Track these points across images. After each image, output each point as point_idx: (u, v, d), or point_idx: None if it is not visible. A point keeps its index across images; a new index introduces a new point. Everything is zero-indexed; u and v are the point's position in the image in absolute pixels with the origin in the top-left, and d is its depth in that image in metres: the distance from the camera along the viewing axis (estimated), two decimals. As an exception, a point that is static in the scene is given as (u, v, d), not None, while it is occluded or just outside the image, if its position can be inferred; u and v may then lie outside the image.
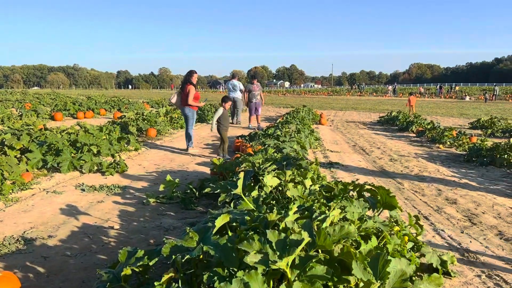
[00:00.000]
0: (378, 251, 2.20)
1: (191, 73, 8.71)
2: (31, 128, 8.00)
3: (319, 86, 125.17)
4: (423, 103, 33.04)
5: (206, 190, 3.82)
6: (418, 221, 3.50)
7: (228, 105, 8.41)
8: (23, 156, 6.26)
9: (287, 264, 2.01)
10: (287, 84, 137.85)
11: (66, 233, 3.95)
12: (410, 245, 3.17)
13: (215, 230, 2.43)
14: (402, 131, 13.96)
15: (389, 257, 2.15)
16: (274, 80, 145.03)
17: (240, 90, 13.71)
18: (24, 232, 3.95)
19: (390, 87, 60.80)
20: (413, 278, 2.69)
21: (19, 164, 5.86)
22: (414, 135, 12.89)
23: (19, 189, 5.27)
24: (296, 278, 2.02)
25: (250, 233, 2.45)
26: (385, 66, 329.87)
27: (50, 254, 3.47)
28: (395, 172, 7.20)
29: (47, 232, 3.98)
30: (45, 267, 3.23)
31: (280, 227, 2.48)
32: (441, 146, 10.42)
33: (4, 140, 6.73)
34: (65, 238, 3.82)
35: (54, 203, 4.91)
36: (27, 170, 5.98)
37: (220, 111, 8.12)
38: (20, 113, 14.88)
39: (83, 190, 5.50)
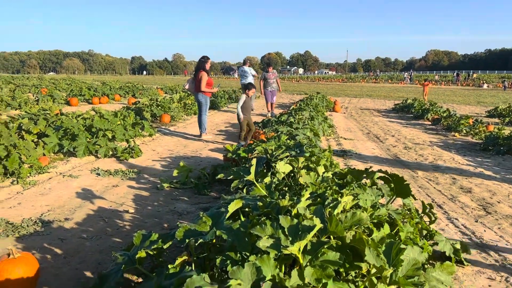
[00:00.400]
0: (392, 239, 2.20)
1: (204, 59, 8.70)
2: (48, 113, 8.12)
3: (334, 72, 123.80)
4: (439, 91, 32.51)
5: (219, 176, 3.85)
6: (432, 210, 3.48)
7: (251, 92, 8.24)
8: (40, 140, 6.37)
9: (299, 250, 2.02)
10: (301, 70, 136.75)
11: (82, 216, 4.03)
12: (423, 233, 3.16)
13: (228, 215, 2.46)
14: (417, 119, 13.79)
15: (402, 245, 2.15)
16: (288, 67, 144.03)
17: (253, 76, 13.58)
18: (42, 214, 4.04)
19: (406, 74, 59.94)
20: (426, 266, 2.68)
21: (36, 148, 5.96)
22: (430, 123, 12.73)
23: (36, 173, 5.38)
24: (308, 264, 2.03)
25: (262, 219, 2.47)
26: (401, 52, 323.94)
27: (66, 236, 3.55)
28: (409, 160, 7.13)
29: (64, 215, 4.06)
30: (62, 248, 3.31)
31: (293, 213, 2.49)
32: (456, 134, 10.28)
33: (21, 124, 6.85)
34: (81, 221, 3.90)
35: (70, 186, 5.01)
36: (44, 154, 6.08)
37: (243, 98, 8.00)
38: (37, 98, 15.09)
39: (99, 174, 5.59)
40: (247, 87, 8.27)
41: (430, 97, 21.30)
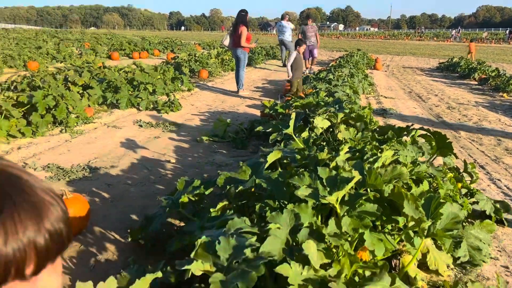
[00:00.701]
0: (431, 194, 2.19)
1: (243, 12, 8.51)
2: (91, 66, 8.35)
3: (376, 29, 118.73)
4: (488, 49, 30.65)
5: (257, 129, 3.89)
6: (474, 169, 3.40)
7: (302, 49, 7.91)
8: (85, 92, 6.61)
9: (337, 200, 2.05)
10: (341, 27, 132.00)
11: (127, 164, 4.22)
12: (463, 191, 3.12)
13: (267, 165, 2.51)
14: (463, 79, 13.16)
15: (441, 200, 2.14)
16: (328, 23, 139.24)
17: (292, 30, 13.21)
18: (89, 161, 4.27)
19: (454, 31, 56.69)
20: (464, 224, 2.67)
21: (81, 99, 6.20)
22: (476, 82, 12.13)
23: (82, 123, 5.63)
24: (345, 214, 2.07)
25: (300, 170, 2.51)
26: (449, 8, 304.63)
27: (113, 182, 3.75)
28: (452, 120, 6.90)
29: (110, 162, 4.27)
30: (109, 193, 3.51)
31: (331, 166, 2.51)
32: (505, 95, 9.76)
33: (67, 76, 7.10)
34: (126, 169, 4.10)
35: (115, 136, 5.22)
36: (89, 106, 6.33)
37: (294, 55, 7.75)
38: (80, 52, 15.48)
39: (141, 126, 5.78)
40: (297, 43, 7.97)
41: (478, 56, 20.15)
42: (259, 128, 3.87)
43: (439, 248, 2.50)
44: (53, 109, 5.22)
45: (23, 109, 5.09)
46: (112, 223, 2.99)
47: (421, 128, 3.51)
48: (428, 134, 3.41)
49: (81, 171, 3.97)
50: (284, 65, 14.21)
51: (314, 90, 6.68)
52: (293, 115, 3.40)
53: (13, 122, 4.82)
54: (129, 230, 2.68)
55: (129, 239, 2.63)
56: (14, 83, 6.67)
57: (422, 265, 2.40)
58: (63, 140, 4.97)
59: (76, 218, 2.67)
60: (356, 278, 1.78)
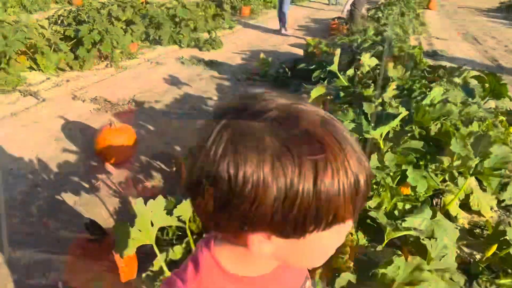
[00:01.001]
0: (481, 133, 2.11)
1: None
2: (134, 1, 8.28)
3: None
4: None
5: (300, 66, 3.83)
6: (529, 113, 3.22)
7: None
8: (128, 27, 6.62)
9: (381, 135, 2.02)
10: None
11: (170, 99, 4.30)
12: (515, 135, 2.97)
13: (310, 100, 2.48)
14: (525, 20, 12.12)
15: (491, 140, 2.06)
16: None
17: None
18: (134, 95, 4.37)
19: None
20: (512, 169, 2.57)
21: (125, 35, 6.23)
22: (540, 24, 11.15)
23: (126, 58, 5.71)
24: (389, 150, 2.04)
25: (344, 106, 2.47)
26: None
27: (157, 115, 3.86)
28: (509, 64, 6.46)
29: (154, 97, 4.36)
30: (154, 126, 3.62)
31: (376, 103, 2.44)
32: None
33: (111, 11, 7.10)
34: (169, 104, 4.18)
35: (158, 72, 5.28)
36: (132, 41, 6.36)
37: None
38: (122, -12, 15.36)
39: (183, 63, 5.79)
40: None
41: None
42: (302, 65, 3.80)
43: (483, 190, 2.44)
44: (99, 44, 5.30)
45: (70, 43, 5.20)
46: (157, 153, 3.11)
47: (473, 69, 3.31)
48: (482, 75, 3.22)
49: (127, 104, 4.09)
50: (330, 4, 13.58)
51: (362, 28, 6.38)
52: (338, 51, 3.29)
53: (61, 56, 4.96)
54: (173, 160, 2.79)
55: (174, 169, 2.74)
56: (60, 17, 6.77)
57: (464, 206, 2.36)
58: (109, 74, 5.09)
59: (124, 146, 2.79)
60: (396, 212, 1.78)
